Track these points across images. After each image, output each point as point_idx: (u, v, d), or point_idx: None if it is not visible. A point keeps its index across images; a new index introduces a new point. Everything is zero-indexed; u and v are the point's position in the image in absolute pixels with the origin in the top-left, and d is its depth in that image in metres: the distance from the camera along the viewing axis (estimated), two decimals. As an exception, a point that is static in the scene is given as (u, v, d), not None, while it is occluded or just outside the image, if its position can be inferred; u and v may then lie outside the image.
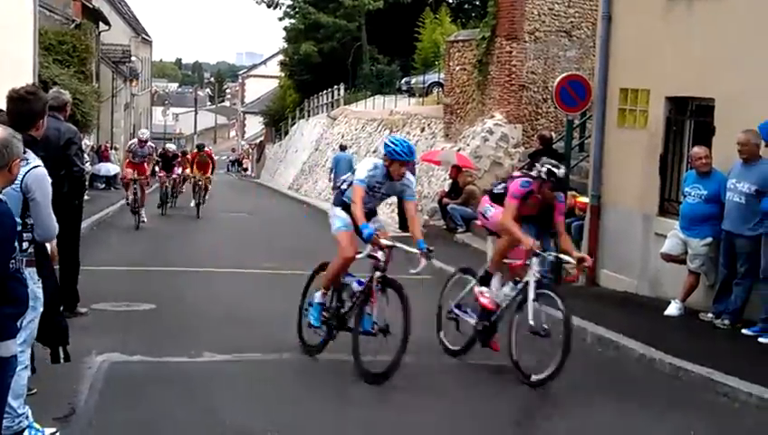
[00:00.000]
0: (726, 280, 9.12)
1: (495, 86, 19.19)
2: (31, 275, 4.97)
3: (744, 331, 8.63)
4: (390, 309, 7.13)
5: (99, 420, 5.93)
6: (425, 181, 20.14)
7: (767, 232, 8.47)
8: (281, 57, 54.26)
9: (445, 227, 17.73)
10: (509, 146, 18.75)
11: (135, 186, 18.18)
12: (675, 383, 7.51)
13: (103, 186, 28.58)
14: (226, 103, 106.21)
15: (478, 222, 9.91)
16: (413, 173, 19.04)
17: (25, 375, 5.07)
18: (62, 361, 5.50)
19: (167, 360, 7.64)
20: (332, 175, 26.34)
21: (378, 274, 7.20)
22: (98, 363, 7.19)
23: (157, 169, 21.38)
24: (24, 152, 4.71)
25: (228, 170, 60.28)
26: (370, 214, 7.60)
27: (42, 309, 5.14)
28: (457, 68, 21.24)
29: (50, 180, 5.08)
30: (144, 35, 54.93)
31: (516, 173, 8.33)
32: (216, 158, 26.42)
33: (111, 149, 33.53)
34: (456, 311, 8.08)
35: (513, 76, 18.79)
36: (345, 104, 36.55)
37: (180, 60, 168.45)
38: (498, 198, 7.97)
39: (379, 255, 7.18)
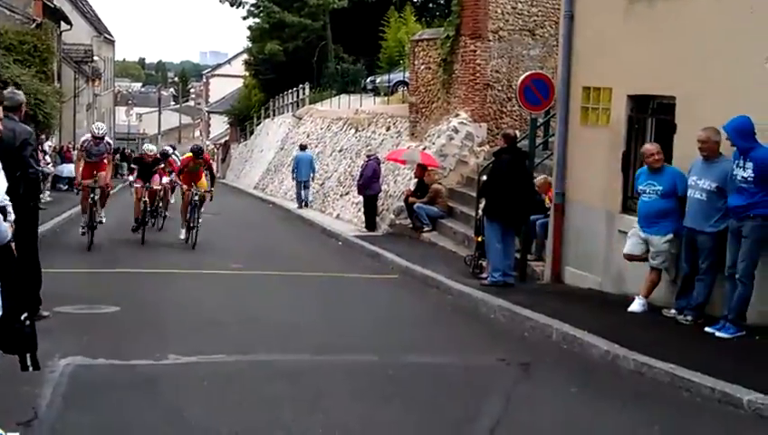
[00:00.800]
0: (688, 276, 9.22)
1: (460, 85, 19.26)
2: None
3: (707, 328, 8.72)
4: None
5: (62, 425, 5.87)
6: (391, 180, 20.17)
7: (733, 229, 8.57)
8: (245, 56, 54.06)
9: (411, 226, 17.76)
10: (474, 144, 18.82)
11: (93, 195, 14.68)
12: (639, 379, 7.58)
13: (66, 187, 28.26)
14: (191, 103, 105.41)
15: None
16: (379, 171, 19.15)
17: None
18: (30, 368, 5.42)
19: (131, 363, 7.57)
20: (294, 175, 26.39)
21: None
22: (61, 367, 7.11)
23: (131, 178, 17.06)
24: None
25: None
26: None
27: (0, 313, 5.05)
28: (422, 67, 21.27)
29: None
30: (106, 35, 54.46)
31: None
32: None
33: (74, 149, 33.18)
34: None
35: (478, 75, 18.86)
36: (310, 103, 36.47)
37: (144, 59, 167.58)
38: None
39: None
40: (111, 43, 57.81)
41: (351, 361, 8.03)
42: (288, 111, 39.15)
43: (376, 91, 31.87)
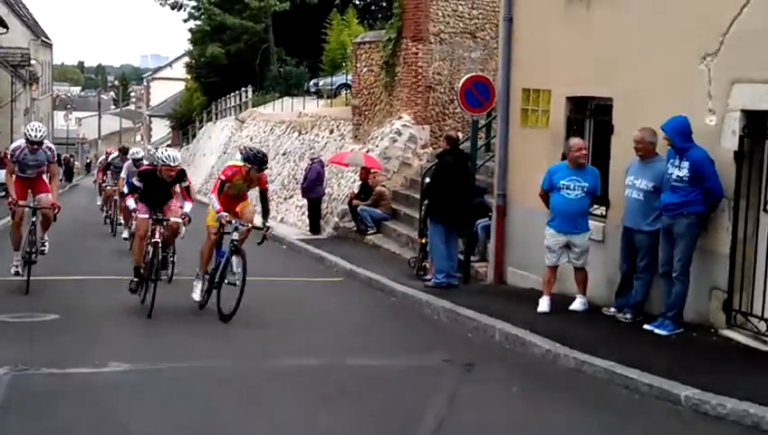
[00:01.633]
0: (627, 275, 9.38)
1: (402, 87, 19.34)
2: None
3: (645, 326, 8.87)
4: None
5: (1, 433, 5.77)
6: (334, 183, 20.16)
7: (665, 227, 8.73)
8: (186, 59, 53.61)
9: (355, 228, 17.78)
10: (417, 147, 18.93)
11: (34, 219, 10.99)
12: (579, 377, 7.69)
13: (3, 194, 27.72)
14: (132, 107, 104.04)
15: None
16: (322, 174, 19.10)
17: None
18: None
19: (71, 371, 7.47)
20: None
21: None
22: (-1, 377, 7.00)
23: (130, 201, 10.57)
24: None
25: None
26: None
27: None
28: (365, 69, 21.31)
29: None
30: (44, 38, 53.56)
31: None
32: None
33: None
34: None
35: (420, 77, 18.96)
36: (253, 106, 36.26)
37: (83, 63, 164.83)
38: None
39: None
40: (49, 46, 56.88)
41: (295, 365, 8.02)
42: (231, 115, 38.88)
43: (319, 94, 31.84)
